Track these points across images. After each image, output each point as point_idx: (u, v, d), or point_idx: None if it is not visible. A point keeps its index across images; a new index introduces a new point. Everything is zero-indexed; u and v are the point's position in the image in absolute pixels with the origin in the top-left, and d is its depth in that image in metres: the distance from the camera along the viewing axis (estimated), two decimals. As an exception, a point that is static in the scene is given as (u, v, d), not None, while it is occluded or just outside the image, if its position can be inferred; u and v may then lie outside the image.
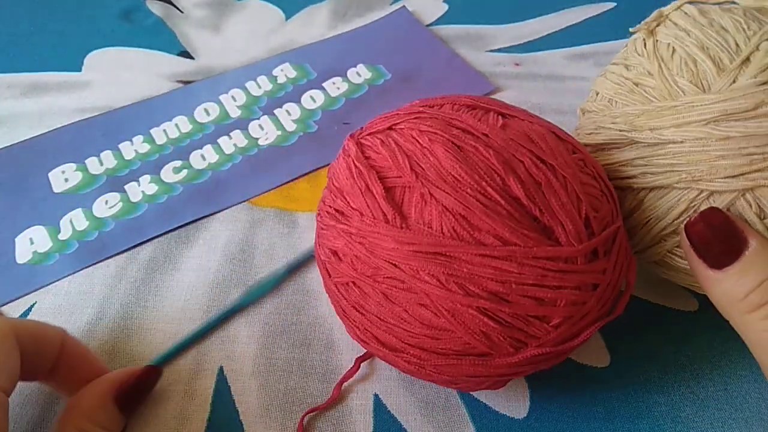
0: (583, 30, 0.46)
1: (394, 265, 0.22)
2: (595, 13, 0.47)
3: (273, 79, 0.42)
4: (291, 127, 0.39)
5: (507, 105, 0.25)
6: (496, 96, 0.41)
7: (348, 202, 0.23)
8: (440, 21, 0.47)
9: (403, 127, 0.24)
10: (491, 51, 0.44)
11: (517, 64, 0.43)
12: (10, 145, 0.38)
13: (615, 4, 0.48)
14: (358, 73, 0.43)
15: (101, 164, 0.37)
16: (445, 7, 0.48)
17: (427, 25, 0.46)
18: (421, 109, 0.24)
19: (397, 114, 0.25)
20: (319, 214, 0.25)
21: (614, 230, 0.23)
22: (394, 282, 0.22)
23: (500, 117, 0.24)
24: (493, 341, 0.22)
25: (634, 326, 0.29)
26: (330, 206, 0.24)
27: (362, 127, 0.26)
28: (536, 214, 0.21)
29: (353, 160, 0.24)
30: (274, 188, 0.36)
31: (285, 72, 0.43)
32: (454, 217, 0.21)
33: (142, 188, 0.36)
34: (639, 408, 0.27)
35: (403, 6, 0.48)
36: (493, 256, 0.21)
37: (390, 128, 0.24)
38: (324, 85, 0.42)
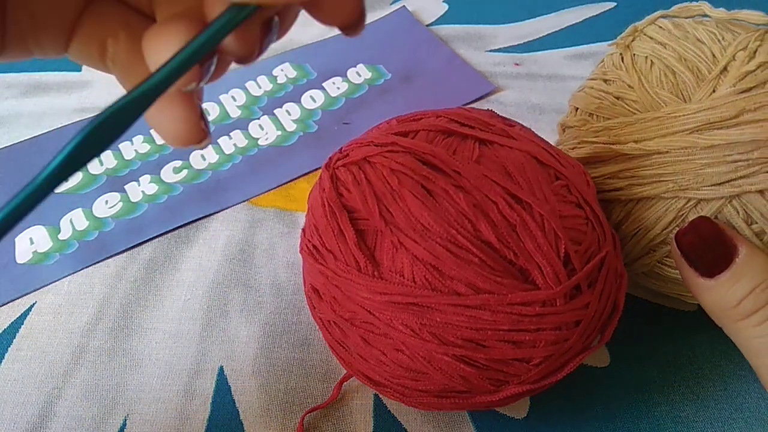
0: (583, 30, 0.46)
1: (369, 312, 0.21)
2: (595, 13, 0.47)
3: (273, 79, 0.42)
4: (291, 127, 0.39)
5: (489, 123, 0.24)
6: (496, 96, 0.41)
7: (323, 242, 0.23)
8: (440, 21, 0.47)
9: (376, 161, 0.23)
10: (491, 51, 0.44)
11: (517, 64, 0.43)
12: (10, 145, 0.38)
13: (615, 4, 0.48)
14: (358, 73, 0.43)
15: (101, 164, 0.37)
16: (445, 7, 0.48)
17: (427, 25, 0.46)
18: (394, 139, 0.23)
19: (372, 143, 0.24)
20: (300, 248, 0.25)
21: (599, 260, 0.22)
22: (371, 327, 0.22)
23: (477, 145, 0.23)
24: (471, 383, 0.21)
25: (634, 326, 0.29)
26: (309, 241, 0.24)
27: (341, 149, 0.25)
28: (510, 257, 0.21)
29: (327, 199, 0.23)
30: (274, 188, 0.36)
31: (285, 72, 0.43)
32: (425, 266, 0.21)
33: (142, 188, 0.36)
34: (639, 408, 0.27)
35: (403, 6, 0.48)
36: (466, 305, 0.20)
37: (364, 159, 0.23)
38: (324, 84, 0.42)
